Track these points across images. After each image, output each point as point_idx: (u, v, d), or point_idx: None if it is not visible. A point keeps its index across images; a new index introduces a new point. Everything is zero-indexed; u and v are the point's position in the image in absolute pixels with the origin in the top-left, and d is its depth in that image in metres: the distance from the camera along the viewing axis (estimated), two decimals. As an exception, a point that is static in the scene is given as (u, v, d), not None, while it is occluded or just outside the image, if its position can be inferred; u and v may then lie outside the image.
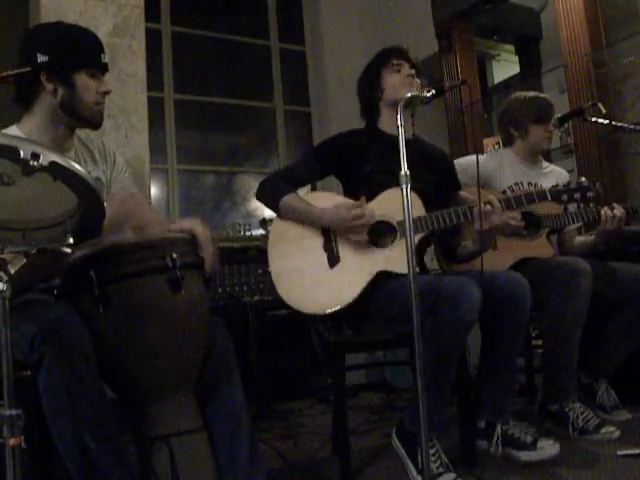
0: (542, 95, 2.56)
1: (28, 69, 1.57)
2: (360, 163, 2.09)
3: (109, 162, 1.80)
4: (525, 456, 1.88)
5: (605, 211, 2.27)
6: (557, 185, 1.98)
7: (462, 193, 2.29)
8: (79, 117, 1.63)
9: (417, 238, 1.94)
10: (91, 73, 1.62)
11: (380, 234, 2.01)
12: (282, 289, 1.99)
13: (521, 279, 1.92)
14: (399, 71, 2.12)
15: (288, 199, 2.03)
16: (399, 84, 2.10)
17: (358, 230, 1.95)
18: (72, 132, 1.70)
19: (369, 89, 2.18)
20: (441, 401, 1.82)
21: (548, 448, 1.87)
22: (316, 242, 2.02)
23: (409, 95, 1.69)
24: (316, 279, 1.98)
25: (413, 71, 2.12)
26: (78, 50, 1.61)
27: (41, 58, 1.56)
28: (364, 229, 1.95)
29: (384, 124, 2.16)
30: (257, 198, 2.13)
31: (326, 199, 2.05)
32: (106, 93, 1.66)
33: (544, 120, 2.48)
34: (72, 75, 1.59)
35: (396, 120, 1.55)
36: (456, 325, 1.73)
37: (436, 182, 2.16)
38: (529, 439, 1.90)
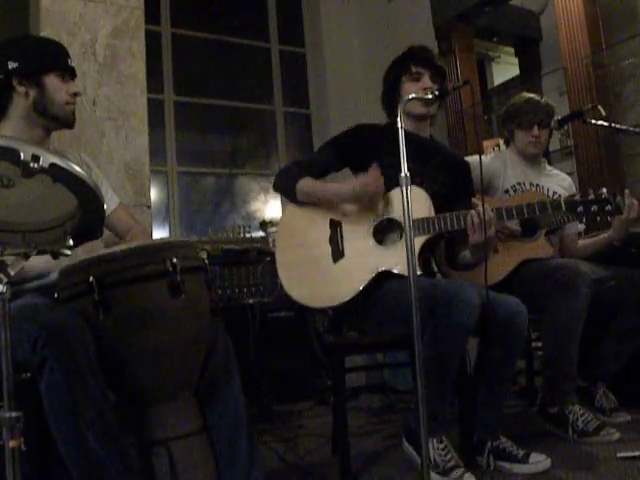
0: (535, 98, 2.49)
1: (0, 76, 1.67)
2: (376, 157, 2.04)
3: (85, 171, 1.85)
4: (517, 469, 1.85)
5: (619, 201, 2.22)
6: (574, 195, 1.94)
7: (474, 200, 2.25)
8: (52, 116, 1.72)
9: (422, 239, 1.91)
10: (60, 75, 1.72)
11: (386, 232, 2.00)
12: (285, 280, 2.00)
13: (520, 306, 1.87)
14: (418, 80, 2.08)
15: (303, 182, 2.02)
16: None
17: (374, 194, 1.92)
18: (48, 135, 1.78)
19: (388, 89, 2.16)
20: (444, 402, 1.81)
21: (540, 463, 1.85)
22: (322, 235, 2.01)
23: (410, 97, 1.69)
24: (318, 273, 1.98)
25: (431, 84, 2.06)
26: (46, 55, 1.73)
27: (12, 65, 1.67)
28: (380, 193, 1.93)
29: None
30: (274, 189, 2.13)
31: None
32: (76, 94, 1.76)
33: (525, 125, 2.44)
34: (42, 77, 1.70)
35: (400, 121, 1.53)
36: (453, 329, 1.73)
37: (449, 185, 2.12)
38: (521, 453, 1.88)
